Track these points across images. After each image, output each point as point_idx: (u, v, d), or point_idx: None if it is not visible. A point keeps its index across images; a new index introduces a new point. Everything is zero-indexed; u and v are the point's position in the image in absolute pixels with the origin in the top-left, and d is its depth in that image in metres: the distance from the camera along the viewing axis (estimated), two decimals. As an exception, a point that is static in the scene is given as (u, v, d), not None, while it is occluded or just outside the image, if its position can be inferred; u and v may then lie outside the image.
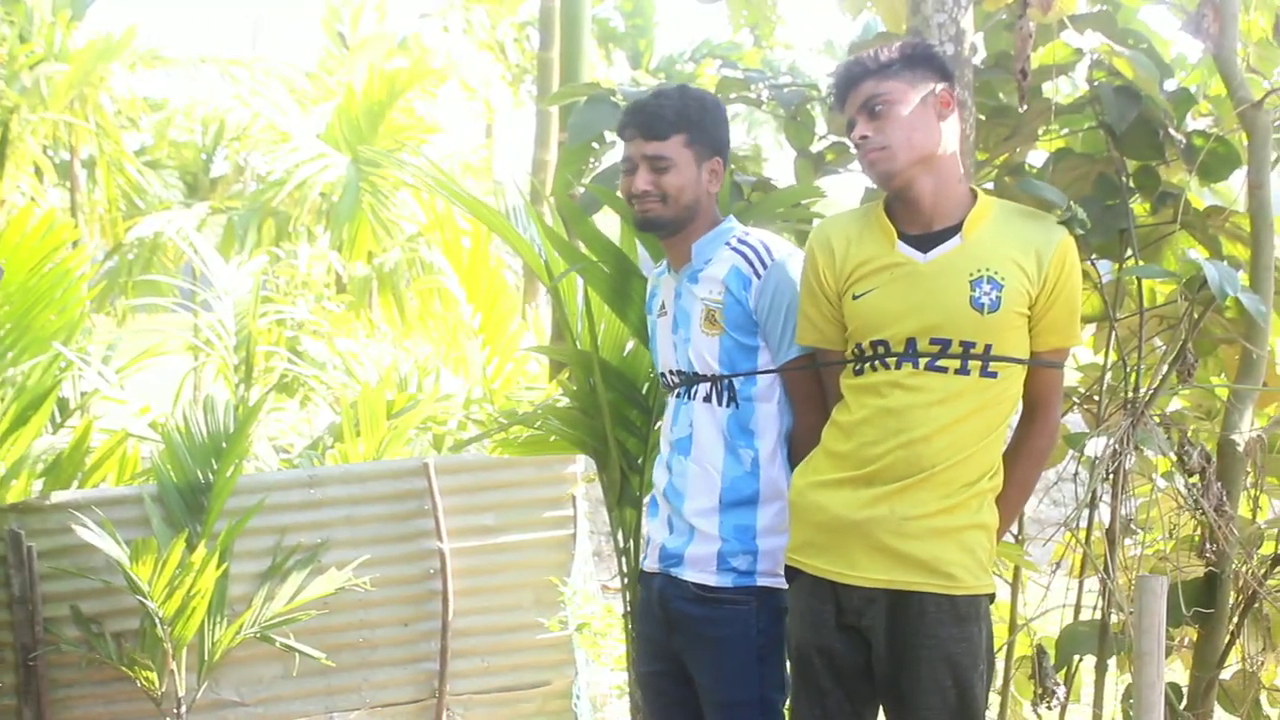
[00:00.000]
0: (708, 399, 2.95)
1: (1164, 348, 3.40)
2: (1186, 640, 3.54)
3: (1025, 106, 3.41)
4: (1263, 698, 3.55)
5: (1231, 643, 3.42)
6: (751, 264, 2.90)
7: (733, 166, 3.06)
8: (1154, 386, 3.30)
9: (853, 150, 2.77)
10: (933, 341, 2.62)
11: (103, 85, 12.17)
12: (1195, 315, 3.23)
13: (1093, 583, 3.57)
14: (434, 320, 10.74)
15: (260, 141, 12.17)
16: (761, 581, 2.90)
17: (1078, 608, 3.67)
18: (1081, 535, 3.49)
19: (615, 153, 3.71)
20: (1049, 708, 3.49)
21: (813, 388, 2.89)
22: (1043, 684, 3.45)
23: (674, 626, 2.99)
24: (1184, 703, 3.42)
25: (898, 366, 2.64)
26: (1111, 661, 3.50)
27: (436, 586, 5.06)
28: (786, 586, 2.85)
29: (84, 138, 12.48)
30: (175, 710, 4.68)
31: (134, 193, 12.59)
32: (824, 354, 2.83)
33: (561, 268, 3.61)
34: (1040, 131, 3.53)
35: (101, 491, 5.04)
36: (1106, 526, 3.41)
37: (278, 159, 11.30)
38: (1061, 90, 3.59)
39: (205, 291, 7.33)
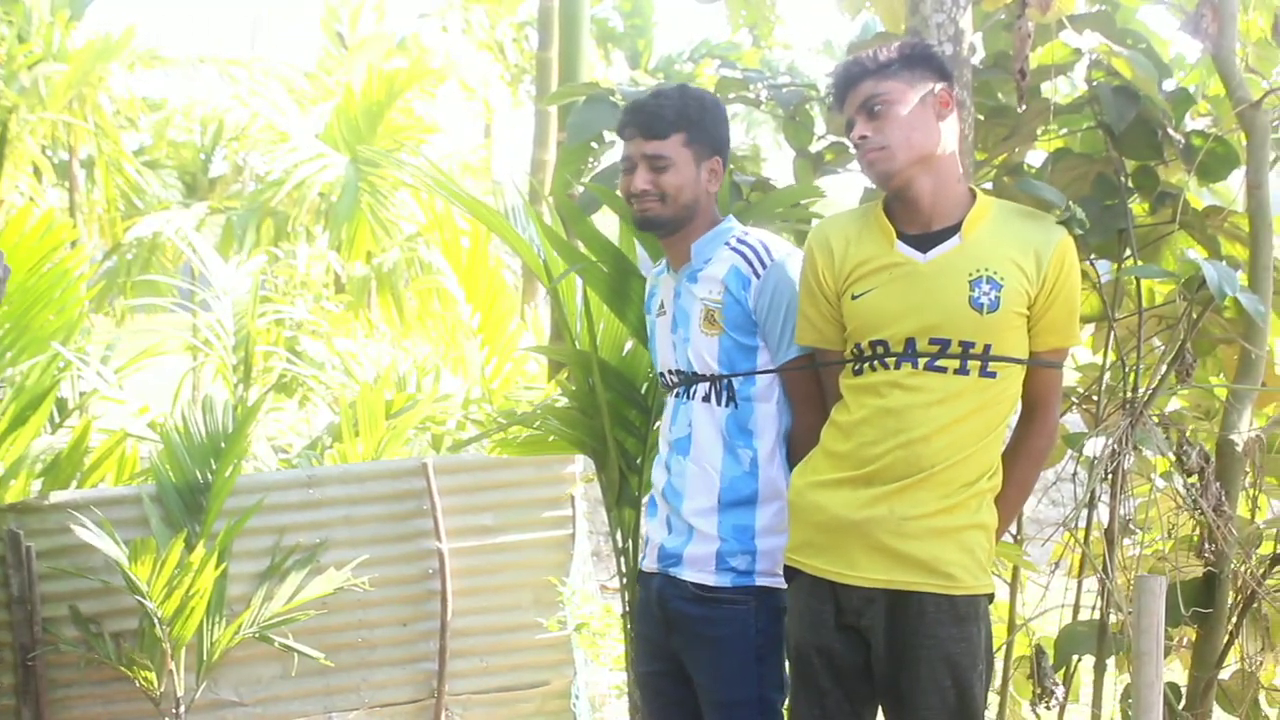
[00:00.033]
0: (707, 399, 2.95)
1: (1163, 348, 3.40)
2: (1185, 640, 3.54)
3: (1024, 106, 3.41)
4: (1261, 697, 3.55)
5: (1230, 643, 3.42)
6: (751, 264, 2.90)
7: (731, 166, 3.06)
8: (1153, 386, 3.30)
9: (852, 150, 2.77)
10: (932, 341, 2.62)
11: (101, 85, 12.16)
12: (1194, 315, 3.23)
13: (1091, 583, 3.57)
14: (433, 320, 10.74)
15: (259, 141, 12.17)
16: (760, 581, 2.90)
17: (1076, 608, 3.67)
18: (1080, 535, 3.50)
19: (614, 152, 3.71)
20: (1048, 707, 3.49)
21: (812, 388, 2.89)
22: (1041, 684, 3.45)
23: (673, 626, 2.98)
24: (1183, 703, 3.42)
25: (897, 366, 2.64)
26: (1110, 661, 3.50)
27: (435, 586, 5.06)
28: (785, 586, 2.85)
29: (83, 138, 12.47)
30: (174, 710, 4.68)
31: (133, 193, 12.59)
32: (823, 354, 2.83)
33: (560, 268, 3.61)
34: (1039, 131, 3.53)
35: (100, 491, 5.03)
36: (1105, 526, 3.41)
37: (276, 159, 11.30)
38: (1060, 90, 3.59)
39: (204, 291, 7.33)
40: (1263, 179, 3.24)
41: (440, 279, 9.07)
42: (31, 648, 4.66)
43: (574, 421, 3.68)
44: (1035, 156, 3.73)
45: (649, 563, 3.07)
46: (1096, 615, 3.48)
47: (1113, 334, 3.43)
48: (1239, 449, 3.32)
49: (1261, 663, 3.48)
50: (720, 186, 3.01)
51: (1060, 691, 3.48)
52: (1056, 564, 3.64)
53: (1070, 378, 3.60)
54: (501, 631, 5.19)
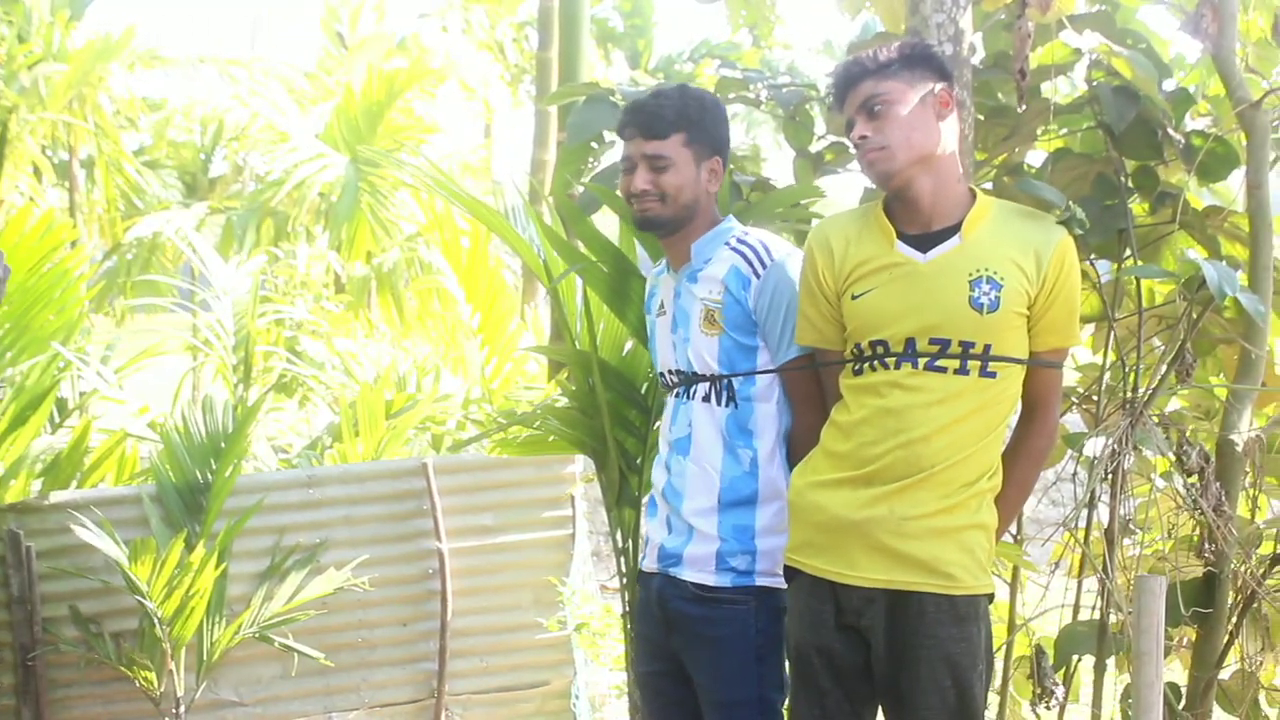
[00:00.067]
0: (707, 399, 2.95)
1: (1163, 348, 3.40)
2: (1185, 640, 3.54)
3: (1024, 106, 3.41)
4: (1261, 697, 3.55)
5: (1230, 643, 3.42)
6: (751, 264, 2.90)
7: (731, 166, 3.06)
8: (1153, 386, 3.30)
9: (852, 150, 2.77)
10: (932, 341, 2.62)
11: (101, 85, 12.16)
12: (1194, 315, 3.23)
13: (1091, 583, 3.57)
14: (433, 320, 10.74)
15: (259, 141, 12.17)
16: (760, 581, 2.90)
17: (1076, 608, 3.67)
18: (1080, 535, 3.50)
19: (614, 152, 3.71)
20: (1048, 708, 3.49)
21: (812, 388, 2.89)
22: (1041, 684, 3.45)
23: (672, 626, 2.98)
24: (1183, 703, 3.42)
25: (897, 366, 2.64)
26: (1110, 661, 3.50)
27: (435, 586, 5.06)
28: (785, 586, 2.85)
29: (83, 138, 12.47)
30: (174, 710, 4.68)
31: (133, 193, 12.59)
32: (823, 354, 2.83)
33: (560, 267, 3.61)
34: (1039, 131, 3.53)
35: (100, 491, 5.03)
36: (1105, 526, 3.41)
37: (276, 159, 11.30)
38: (1060, 90, 3.59)
39: (204, 291, 7.33)
40: (1263, 179, 3.24)
41: (440, 279, 9.07)
42: (31, 648, 4.66)
43: (574, 421, 3.68)
44: (1035, 156, 3.73)
45: (649, 563, 3.07)
46: (1096, 615, 3.48)
47: (1113, 334, 3.43)
48: (1239, 449, 3.32)
49: (1261, 663, 3.48)
50: (721, 186, 3.01)
51: (1060, 691, 3.48)
52: (1056, 564, 3.64)
53: (1070, 378, 3.60)
54: (501, 631, 5.19)
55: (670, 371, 3.05)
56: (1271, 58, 3.70)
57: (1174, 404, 3.65)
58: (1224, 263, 3.12)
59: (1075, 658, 3.59)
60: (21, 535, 4.65)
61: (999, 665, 3.67)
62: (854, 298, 2.70)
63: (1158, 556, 3.54)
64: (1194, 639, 3.47)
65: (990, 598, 2.73)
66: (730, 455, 2.92)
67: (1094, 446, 3.34)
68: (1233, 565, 3.33)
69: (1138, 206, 3.47)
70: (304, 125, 11.73)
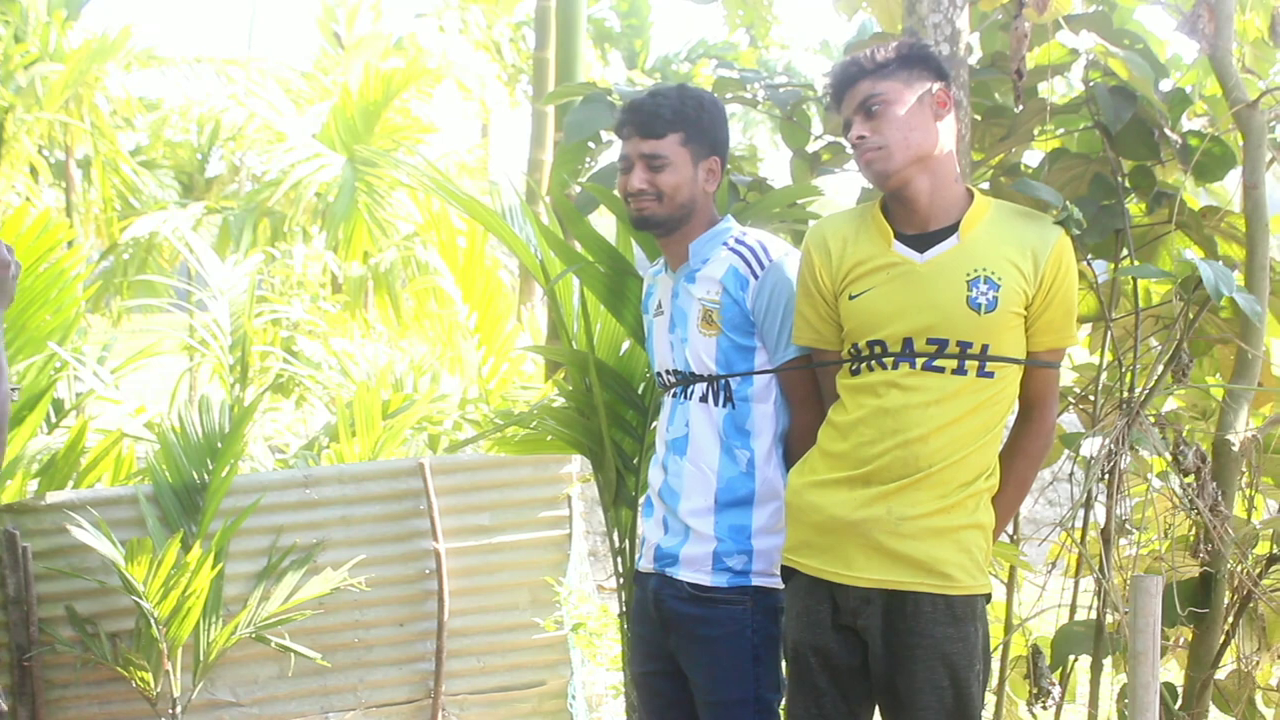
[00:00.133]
0: (704, 399, 2.95)
1: (1159, 348, 3.40)
2: (1181, 640, 3.54)
3: (1021, 107, 3.41)
4: (1258, 697, 3.55)
5: (1226, 642, 3.42)
6: (749, 264, 2.90)
7: (729, 167, 3.06)
8: (1149, 386, 3.30)
9: (849, 150, 2.77)
10: (929, 341, 2.62)
11: (98, 85, 12.15)
12: (1190, 315, 3.24)
13: (1088, 582, 3.57)
14: (429, 320, 10.74)
15: (256, 141, 12.16)
16: (756, 581, 2.90)
17: (1073, 607, 3.67)
18: (1077, 535, 3.50)
19: (611, 152, 3.70)
20: (1044, 708, 3.49)
21: (809, 388, 2.89)
22: (1038, 684, 3.45)
23: (669, 626, 2.98)
24: (1179, 702, 3.42)
25: (894, 366, 2.64)
26: (1107, 661, 3.50)
27: (432, 586, 5.06)
28: (781, 586, 2.86)
29: (79, 138, 12.45)
30: (171, 711, 4.68)
31: (129, 193, 12.57)
32: (820, 354, 2.83)
33: (558, 267, 3.61)
34: (1036, 132, 3.53)
35: (97, 492, 5.02)
36: (1102, 526, 3.41)
37: (273, 159, 11.29)
38: (1057, 90, 3.60)
39: (200, 291, 7.32)
40: (1259, 179, 3.24)
41: (437, 279, 9.06)
42: (27, 648, 4.65)
43: (571, 421, 3.68)
44: (1032, 157, 3.74)
45: (645, 563, 3.07)
46: (1093, 615, 3.49)
47: (1109, 334, 3.43)
48: (1235, 449, 3.33)
49: (1258, 662, 3.49)
50: (719, 186, 3.01)
51: (1057, 691, 3.48)
52: (1053, 564, 3.65)
53: (1067, 378, 3.61)
54: (498, 631, 5.18)
55: (667, 371, 3.05)
56: (1268, 58, 3.71)
57: (1171, 404, 3.65)
58: (1220, 263, 3.12)
59: (1072, 658, 3.59)
60: (18, 535, 4.64)
61: (995, 665, 3.67)
62: (851, 298, 2.70)
63: (1154, 556, 3.54)
64: (1190, 639, 3.47)
65: (987, 598, 2.74)
66: (727, 455, 2.92)
67: (1091, 446, 3.34)
68: (1229, 565, 3.33)
69: (1134, 206, 3.48)
70: (301, 125, 11.72)
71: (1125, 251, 3.38)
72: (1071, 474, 3.42)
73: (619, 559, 3.67)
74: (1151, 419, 3.32)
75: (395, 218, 11.09)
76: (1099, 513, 3.46)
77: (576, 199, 3.60)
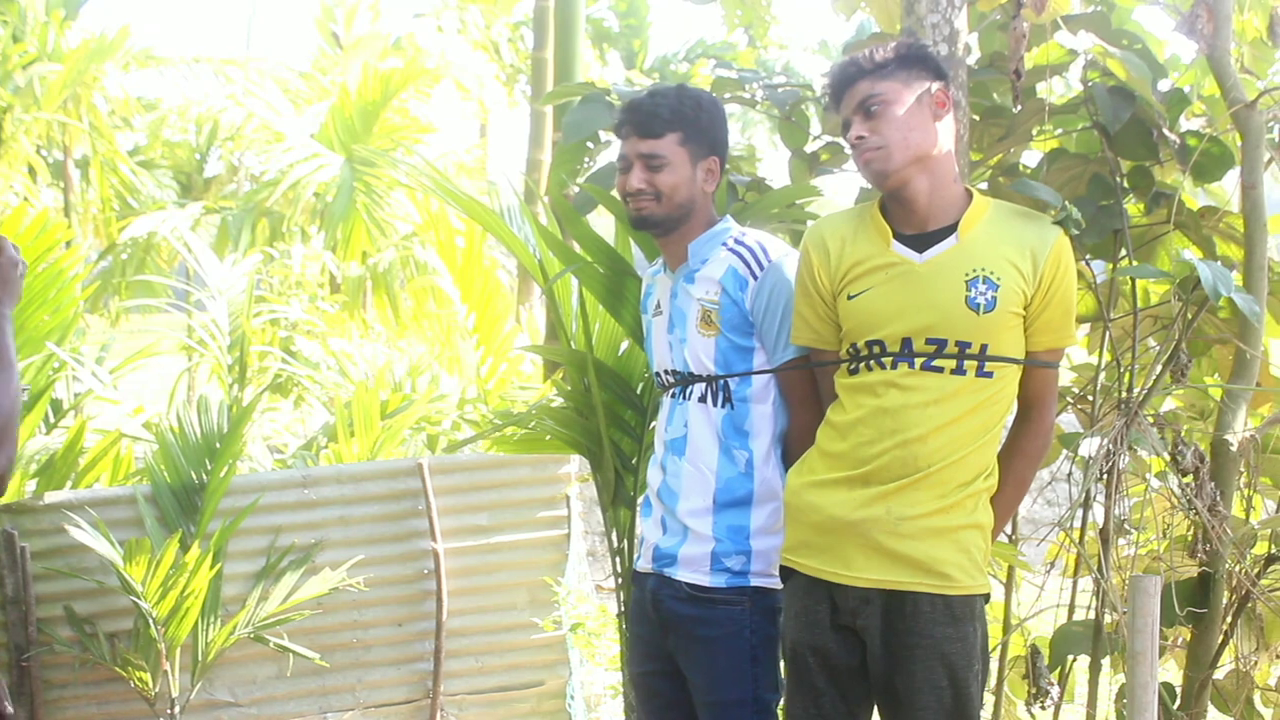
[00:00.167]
0: (703, 399, 2.95)
1: (1158, 348, 3.40)
2: (1180, 640, 3.54)
3: (1019, 107, 3.41)
4: (1256, 697, 3.55)
5: (1225, 642, 3.42)
6: (748, 265, 2.90)
7: (727, 167, 3.06)
8: (1148, 386, 3.30)
9: (847, 150, 2.77)
10: (929, 341, 2.62)
11: (96, 85, 12.14)
12: (1189, 315, 3.24)
13: (1086, 582, 3.57)
14: (428, 320, 10.73)
15: (254, 141, 12.15)
16: (755, 582, 2.90)
17: (1071, 608, 3.67)
18: (1075, 535, 3.50)
19: (610, 152, 3.70)
20: (1043, 708, 3.49)
21: (808, 389, 2.89)
22: (1037, 684, 3.45)
23: (667, 627, 2.98)
24: (1177, 702, 3.42)
25: (893, 366, 2.64)
26: (1105, 661, 3.50)
27: (431, 587, 5.06)
28: (780, 587, 2.86)
29: (77, 138, 12.45)
30: (169, 711, 4.68)
31: (128, 193, 12.56)
32: (818, 354, 2.83)
33: (556, 267, 3.60)
34: (1034, 132, 3.53)
35: (95, 492, 5.02)
36: (1100, 526, 3.41)
37: (272, 159, 11.28)
38: (1055, 91, 3.60)
39: (199, 291, 7.32)
40: (1257, 179, 3.24)
41: (435, 279, 9.07)
42: (26, 648, 4.65)
43: (569, 421, 3.68)
44: (1031, 157, 3.74)
45: (644, 563, 3.07)
46: (1091, 615, 3.49)
47: (1108, 334, 3.44)
48: (1234, 449, 3.33)
49: (1256, 662, 3.49)
50: (718, 186, 3.01)
51: (1055, 692, 3.48)
52: (1052, 564, 3.65)
53: (1066, 378, 3.61)
54: (497, 631, 5.18)
55: (666, 372, 3.05)
56: (1266, 58, 3.71)
57: (1169, 404, 3.65)
58: (1219, 263, 3.12)
59: (1070, 658, 3.60)
60: (16, 535, 4.64)
61: (994, 665, 3.67)
62: (850, 298, 2.70)
63: (1153, 556, 3.54)
64: (1188, 639, 3.47)
65: (986, 597, 2.74)
66: (726, 456, 2.92)
67: (1089, 446, 3.34)
68: (1227, 565, 3.33)
69: (1133, 207, 3.48)
70: (299, 125, 11.71)
71: (1123, 252, 3.38)
72: (1070, 474, 3.43)
73: (617, 559, 3.67)
74: (1150, 419, 3.33)
75: (394, 218, 11.09)
76: (1097, 513, 3.46)
77: (575, 199, 3.59)
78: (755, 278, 2.89)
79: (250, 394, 6.62)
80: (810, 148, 3.78)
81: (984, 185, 3.58)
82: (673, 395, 3.03)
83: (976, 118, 3.54)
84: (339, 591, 4.86)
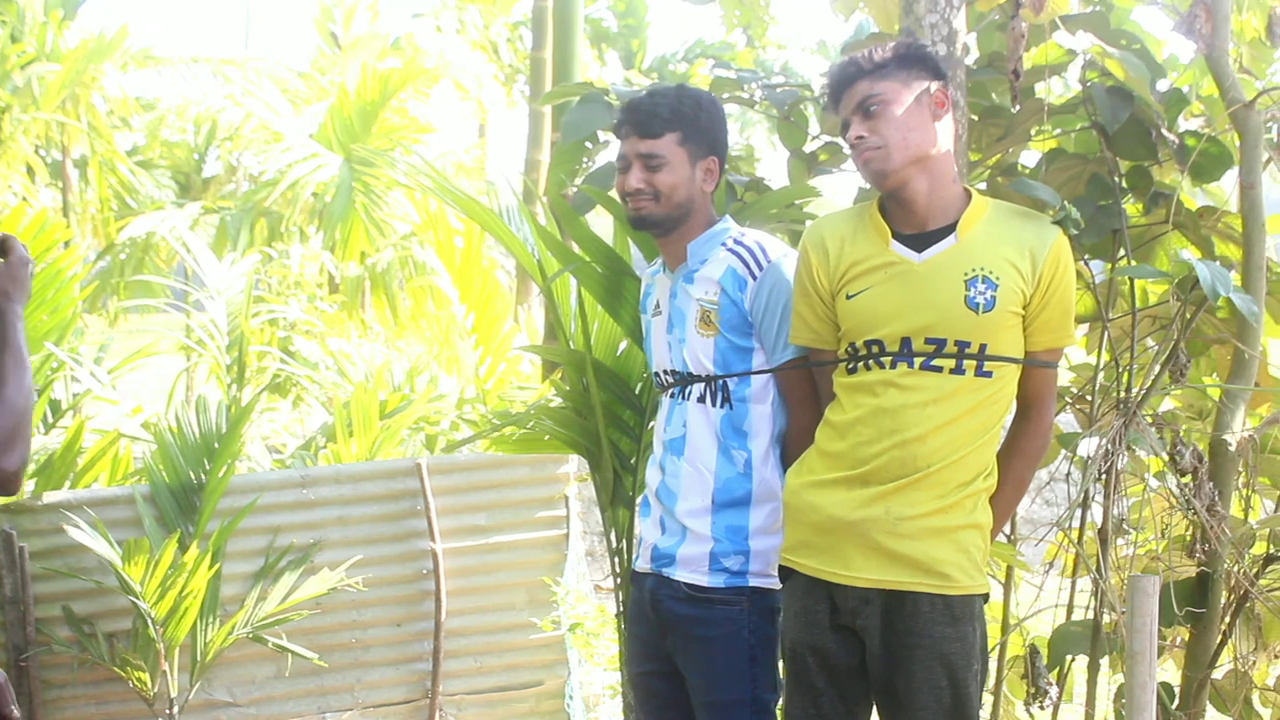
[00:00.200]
0: (702, 399, 2.95)
1: (1156, 348, 3.40)
2: (1179, 640, 3.55)
3: (1018, 107, 3.42)
4: (1255, 697, 3.55)
5: (1223, 642, 3.42)
6: (747, 265, 2.90)
7: (726, 167, 3.06)
8: (1146, 386, 3.30)
9: (846, 150, 2.77)
10: (928, 341, 2.62)
11: (95, 85, 12.12)
12: (1188, 315, 3.24)
13: (1085, 582, 3.57)
14: (427, 320, 10.72)
15: (253, 141, 12.13)
16: (753, 582, 2.90)
17: (1070, 607, 3.67)
18: (1074, 535, 3.50)
19: (608, 152, 3.70)
20: (1041, 708, 3.49)
21: (807, 389, 2.89)
22: (1035, 684, 3.45)
23: (666, 627, 2.98)
24: (1176, 702, 3.43)
25: (892, 366, 2.64)
26: (1104, 661, 3.50)
27: (429, 587, 5.06)
28: (778, 587, 2.86)
29: (76, 138, 12.43)
30: (168, 711, 4.68)
31: (126, 193, 12.55)
32: (817, 354, 2.83)
33: (555, 267, 3.60)
34: (1033, 132, 3.54)
35: (93, 492, 5.02)
36: (1099, 526, 3.41)
37: (270, 159, 11.26)
38: (1054, 91, 3.60)
39: (198, 291, 7.32)
40: (1256, 179, 3.25)
41: (434, 279, 9.06)
42: (24, 648, 4.65)
43: (568, 421, 3.68)
44: (1029, 157, 3.74)
45: (642, 563, 3.07)
46: (1090, 615, 3.49)
47: (1107, 334, 3.44)
48: (1232, 449, 3.33)
49: (1255, 662, 3.49)
50: (717, 186, 3.01)
51: (1054, 691, 3.48)
52: (1050, 564, 3.65)
53: (1064, 377, 3.61)
54: (496, 631, 5.19)
55: (665, 372, 3.05)
56: (1265, 58, 3.71)
57: (1167, 404, 3.65)
58: (1217, 263, 3.12)
59: (1069, 657, 3.60)
60: (15, 535, 4.64)
61: (993, 665, 3.67)
62: (849, 297, 2.70)
63: (1151, 556, 3.54)
64: (1187, 639, 3.47)
65: (985, 597, 2.74)
66: (724, 456, 2.92)
67: (1088, 446, 3.34)
68: (1226, 565, 3.33)
69: (1131, 207, 3.48)
70: (298, 125, 11.70)
71: (1122, 251, 3.38)
72: (1069, 474, 3.43)
73: (616, 559, 3.67)
74: (1148, 419, 3.33)
75: (392, 218, 11.08)
76: (1096, 513, 3.46)
77: (573, 199, 3.59)
78: (754, 278, 2.89)
79: (249, 394, 6.62)
80: (809, 148, 3.78)
81: (983, 185, 3.58)
82: (671, 395, 3.03)
83: (975, 118, 3.55)
84: (337, 591, 4.86)
